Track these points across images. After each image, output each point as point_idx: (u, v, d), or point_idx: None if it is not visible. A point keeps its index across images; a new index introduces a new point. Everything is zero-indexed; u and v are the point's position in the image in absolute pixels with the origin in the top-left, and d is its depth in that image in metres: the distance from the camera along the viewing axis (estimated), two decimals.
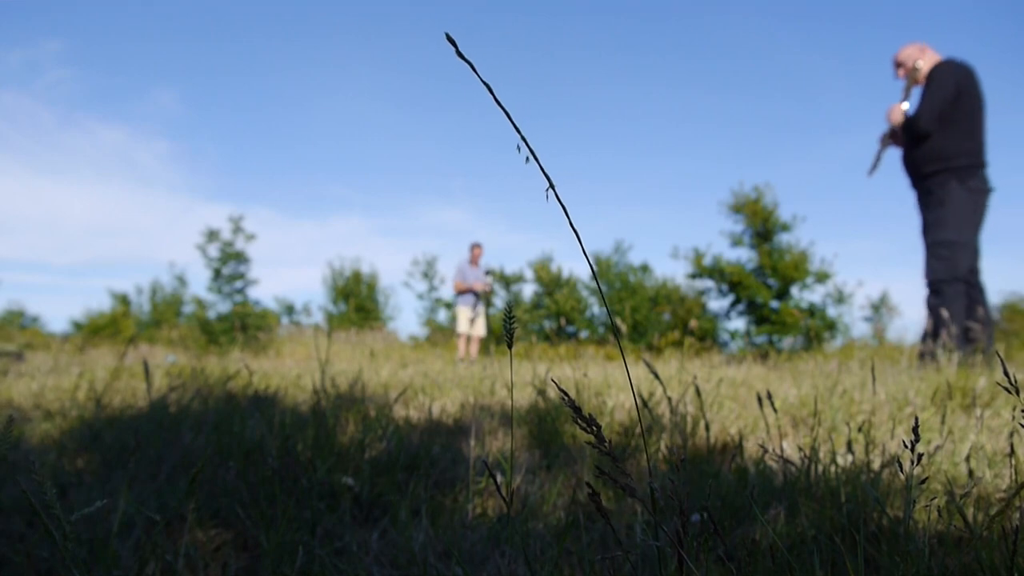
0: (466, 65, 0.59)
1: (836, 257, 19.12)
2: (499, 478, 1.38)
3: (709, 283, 19.02)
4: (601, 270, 20.34)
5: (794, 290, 18.04)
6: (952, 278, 3.57)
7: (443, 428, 1.86)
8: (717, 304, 19.47)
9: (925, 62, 3.85)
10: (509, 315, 0.69)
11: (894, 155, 4.14)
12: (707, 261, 18.91)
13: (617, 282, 20.22)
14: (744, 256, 18.72)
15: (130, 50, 38.23)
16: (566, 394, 0.70)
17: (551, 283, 20.26)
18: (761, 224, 18.12)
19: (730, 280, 18.26)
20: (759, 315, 18.10)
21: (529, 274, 18.19)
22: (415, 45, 40.24)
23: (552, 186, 0.60)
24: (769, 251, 18.01)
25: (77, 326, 20.57)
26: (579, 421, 0.68)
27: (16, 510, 1.20)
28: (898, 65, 4.08)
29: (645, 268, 20.50)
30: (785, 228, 18.19)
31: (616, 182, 36.75)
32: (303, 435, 1.54)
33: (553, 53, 38.49)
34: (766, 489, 1.18)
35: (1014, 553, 0.70)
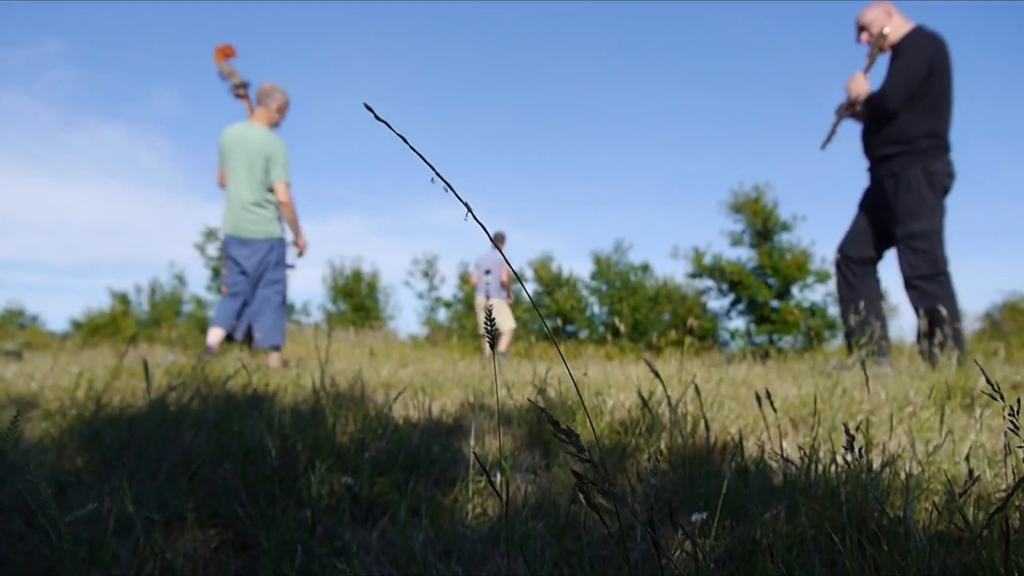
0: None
1: None
2: (499, 477, 1.38)
3: (709, 282, 19.05)
4: (601, 270, 20.35)
5: (795, 289, 18.05)
6: (935, 272, 3.30)
7: (443, 427, 1.86)
8: (717, 303, 19.48)
9: (893, 28, 3.46)
10: (489, 317, 0.69)
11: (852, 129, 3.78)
12: (707, 260, 18.91)
13: (617, 282, 20.23)
14: (744, 255, 18.75)
15: (130, 50, 38.26)
16: (543, 409, 0.70)
17: (551, 282, 20.26)
18: (761, 224, 18.13)
19: (730, 279, 18.27)
20: (759, 314, 18.10)
21: (529, 273, 18.19)
22: (415, 45, 40.27)
23: (470, 210, 0.64)
24: (769, 251, 18.02)
25: (77, 325, 20.59)
26: (558, 435, 0.68)
27: (15, 509, 1.20)
28: (861, 28, 3.61)
29: (645, 268, 20.52)
30: (785, 228, 18.20)
31: (616, 182, 36.76)
32: (303, 435, 1.54)
33: (553, 53, 38.51)
34: (766, 489, 1.18)
35: (1007, 551, 0.70)
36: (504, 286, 8.87)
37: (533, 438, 1.72)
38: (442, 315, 20.59)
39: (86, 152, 35.60)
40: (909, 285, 3.38)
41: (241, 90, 4.68)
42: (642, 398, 1.43)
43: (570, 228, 36.00)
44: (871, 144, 3.55)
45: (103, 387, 2.34)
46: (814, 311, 18.04)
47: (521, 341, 13.16)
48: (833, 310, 17.88)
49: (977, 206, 31.09)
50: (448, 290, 22.84)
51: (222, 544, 1.13)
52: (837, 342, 17.40)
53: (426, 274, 20.70)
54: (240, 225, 4.29)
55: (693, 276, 19.40)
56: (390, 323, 20.71)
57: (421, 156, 0.62)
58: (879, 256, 3.66)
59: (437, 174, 0.62)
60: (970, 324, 15.96)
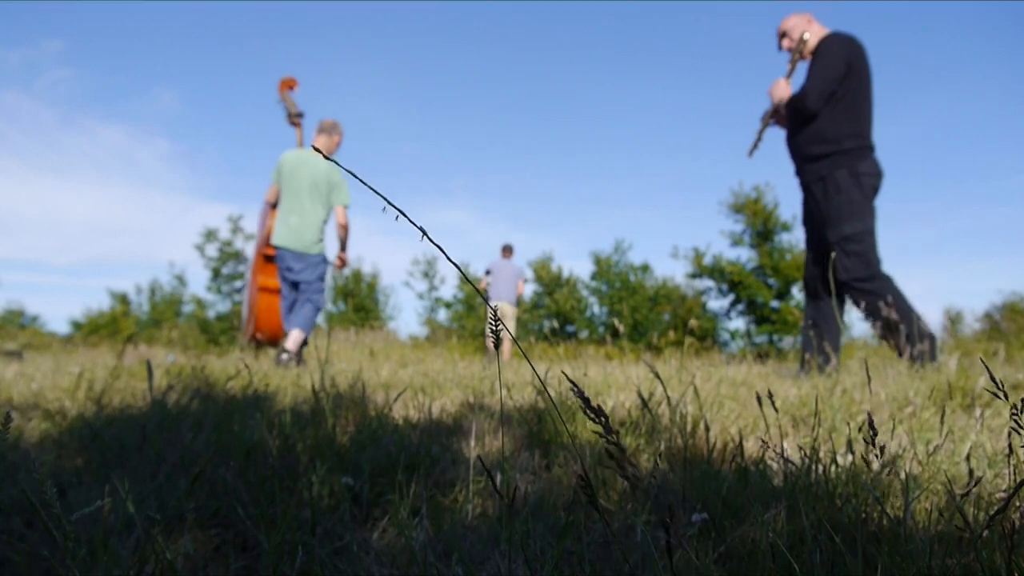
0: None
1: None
2: (498, 478, 1.38)
3: (709, 283, 19.04)
4: (601, 270, 20.35)
5: (795, 290, 18.04)
6: (869, 274, 3.25)
7: (443, 428, 1.86)
8: (717, 304, 19.48)
9: (812, 34, 3.52)
10: (494, 317, 0.69)
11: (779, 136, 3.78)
12: (707, 261, 18.91)
13: (617, 282, 20.23)
14: (744, 256, 18.75)
15: (130, 50, 38.25)
16: (576, 385, 0.70)
17: (551, 283, 20.25)
18: (761, 224, 18.13)
19: (730, 280, 18.27)
20: (759, 315, 18.11)
21: (529, 274, 18.20)
22: (415, 45, 40.30)
23: (425, 233, 0.65)
24: (770, 251, 18.02)
25: (76, 326, 20.58)
26: (587, 412, 0.68)
27: (15, 509, 1.20)
28: (782, 35, 3.67)
29: (645, 268, 20.51)
30: (785, 228, 18.21)
31: (616, 182, 36.76)
32: (303, 435, 1.54)
33: (553, 53, 38.53)
34: (766, 489, 1.18)
35: (1011, 552, 0.70)
36: (518, 295, 9.52)
37: (533, 438, 1.72)
38: (442, 315, 20.60)
39: (86, 152, 35.61)
40: (848, 288, 3.35)
41: (296, 119, 5.17)
42: (642, 398, 1.43)
43: (570, 228, 36.00)
44: (796, 146, 3.56)
45: (103, 388, 2.34)
46: None
47: (521, 341, 13.15)
48: None
49: (977, 207, 31.12)
50: (448, 290, 22.84)
51: (222, 544, 1.13)
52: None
53: (426, 274, 20.70)
54: (301, 243, 4.71)
55: (693, 276, 19.40)
56: (390, 323, 20.71)
57: (371, 187, 0.63)
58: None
59: (389, 203, 0.63)
60: (970, 324, 15.95)
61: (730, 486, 1.19)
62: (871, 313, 3.28)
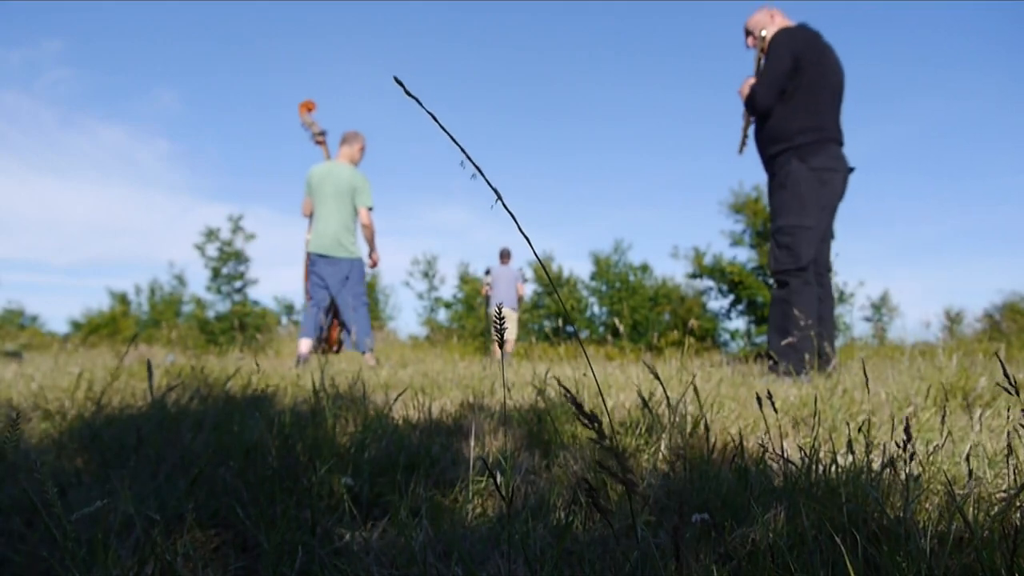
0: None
1: (837, 257, 19.06)
2: (498, 478, 1.38)
3: (709, 283, 19.03)
4: (601, 270, 20.35)
5: None
6: (796, 268, 3.22)
7: (443, 428, 1.86)
8: (717, 304, 19.46)
9: (770, 30, 3.49)
10: (499, 316, 0.69)
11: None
12: (707, 261, 18.90)
13: (617, 282, 20.22)
14: (744, 256, 18.72)
15: (130, 50, 38.23)
16: (567, 390, 0.70)
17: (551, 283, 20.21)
18: (761, 224, 18.11)
19: (730, 280, 18.25)
20: (759, 315, 18.09)
21: (529, 273, 18.19)
22: (415, 45, 40.30)
23: (500, 198, 0.62)
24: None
25: (76, 326, 20.56)
26: (581, 417, 0.68)
27: (15, 510, 1.20)
28: (747, 33, 3.66)
29: (645, 268, 20.50)
30: None
31: (616, 182, 36.75)
32: (303, 435, 1.54)
33: (552, 53, 38.53)
34: (766, 489, 1.18)
35: (1013, 553, 0.70)
36: (519, 298, 9.86)
37: (533, 438, 1.72)
38: (442, 315, 20.59)
39: (86, 152, 35.58)
40: (773, 277, 3.36)
41: (320, 138, 5.48)
42: (642, 398, 1.43)
43: (570, 228, 36.00)
44: (760, 145, 3.55)
45: (103, 388, 2.34)
46: None
47: (520, 342, 13.16)
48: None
49: (978, 206, 31.11)
50: (448, 290, 22.83)
51: (222, 544, 1.13)
52: (837, 342, 17.40)
53: (426, 274, 20.69)
54: (328, 247, 5.07)
55: (693, 276, 19.38)
56: (390, 323, 20.70)
57: (453, 138, 0.60)
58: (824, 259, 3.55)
59: (468, 157, 0.61)
60: (970, 324, 15.95)
61: (730, 486, 1.19)
62: (775, 305, 3.28)
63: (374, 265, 5.35)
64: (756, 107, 3.40)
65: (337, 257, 5.08)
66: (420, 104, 0.60)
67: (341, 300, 5.07)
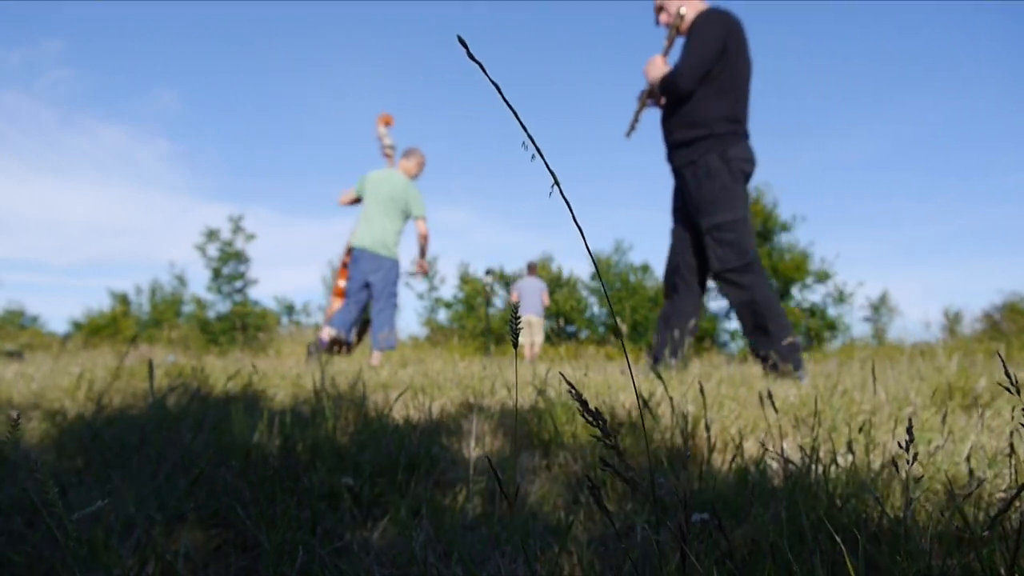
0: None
1: (837, 257, 19.06)
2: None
3: (709, 283, 19.02)
4: (601, 270, 20.36)
5: (794, 290, 18.04)
6: (744, 263, 3.08)
7: (443, 428, 1.86)
8: (717, 304, 19.44)
9: (689, 9, 3.29)
10: (515, 315, 0.69)
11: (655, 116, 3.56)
12: None
13: (617, 282, 20.21)
14: None
15: (130, 50, 38.25)
16: (573, 387, 0.70)
17: (551, 283, 20.23)
18: (761, 224, 18.11)
19: None
20: None
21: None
22: (415, 45, 40.32)
23: (557, 183, 0.59)
24: (769, 251, 18.01)
25: (77, 326, 20.55)
26: (585, 415, 0.68)
27: (16, 509, 1.20)
28: (659, 10, 3.44)
29: (645, 268, 20.49)
30: (785, 228, 18.19)
31: (616, 182, 36.75)
32: (303, 435, 1.54)
33: (553, 52, 38.56)
34: (766, 489, 1.18)
35: (1015, 554, 0.70)
36: (544, 306, 10.64)
37: (533, 438, 1.72)
38: (442, 315, 20.58)
39: (86, 152, 35.57)
40: (719, 279, 3.20)
41: (389, 151, 5.86)
42: (642, 399, 1.43)
43: (570, 228, 35.87)
44: (668, 129, 3.35)
45: (103, 388, 2.34)
46: (813, 312, 18.03)
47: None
48: (833, 311, 17.87)
49: (977, 206, 31.10)
50: (448, 291, 22.84)
51: (222, 544, 1.13)
52: (837, 342, 17.40)
53: (426, 274, 20.69)
54: (374, 244, 5.42)
55: None
56: None
57: (515, 113, 0.58)
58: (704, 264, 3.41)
59: (531, 138, 0.58)
60: (970, 324, 15.94)
61: (730, 486, 1.20)
62: (740, 308, 3.14)
63: (425, 272, 5.82)
64: (677, 89, 3.18)
65: (381, 256, 5.42)
66: (483, 70, 0.58)
67: (376, 293, 5.38)
